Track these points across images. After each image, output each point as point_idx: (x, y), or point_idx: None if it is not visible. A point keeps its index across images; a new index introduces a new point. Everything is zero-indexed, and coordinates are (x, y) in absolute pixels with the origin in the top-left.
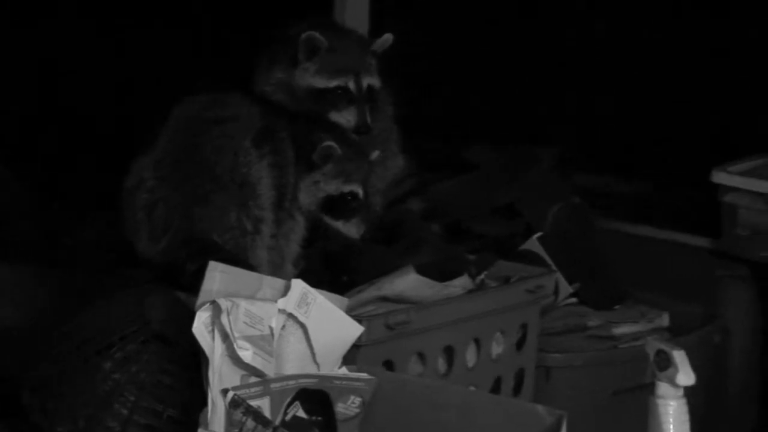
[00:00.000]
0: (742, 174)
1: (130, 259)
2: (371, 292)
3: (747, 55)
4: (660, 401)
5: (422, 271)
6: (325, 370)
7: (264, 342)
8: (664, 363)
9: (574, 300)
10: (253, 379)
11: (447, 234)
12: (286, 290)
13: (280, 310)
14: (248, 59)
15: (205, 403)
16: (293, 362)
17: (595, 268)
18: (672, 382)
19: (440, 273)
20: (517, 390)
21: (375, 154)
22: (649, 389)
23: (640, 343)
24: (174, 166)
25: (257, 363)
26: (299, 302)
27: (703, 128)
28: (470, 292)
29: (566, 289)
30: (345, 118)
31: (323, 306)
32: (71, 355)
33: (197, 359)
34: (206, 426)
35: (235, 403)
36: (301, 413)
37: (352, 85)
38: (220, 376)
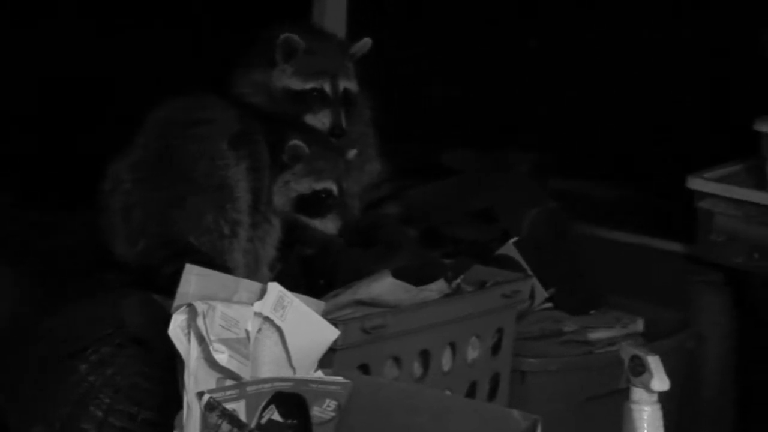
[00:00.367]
0: (717, 180)
1: (107, 263)
2: (347, 295)
3: (722, 62)
4: (634, 406)
5: (399, 275)
6: (300, 374)
7: (240, 345)
8: (639, 368)
9: (549, 305)
10: (228, 382)
11: (423, 238)
12: (262, 293)
13: (256, 314)
14: (224, 62)
15: (180, 406)
16: (269, 365)
17: (570, 273)
18: (646, 387)
19: (416, 277)
20: (492, 394)
21: (352, 153)
22: (624, 394)
23: (615, 349)
24: (151, 169)
25: (233, 366)
26: (275, 305)
27: (679, 134)
28: (446, 296)
29: (542, 294)
30: (320, 120)
31: (299, 309)
32: (46, 357)
33: (173, 362)
34: (182, 429)
35: (210, 406)
36: (277, 416)
37: (328, 88)
38: (196, 379)
